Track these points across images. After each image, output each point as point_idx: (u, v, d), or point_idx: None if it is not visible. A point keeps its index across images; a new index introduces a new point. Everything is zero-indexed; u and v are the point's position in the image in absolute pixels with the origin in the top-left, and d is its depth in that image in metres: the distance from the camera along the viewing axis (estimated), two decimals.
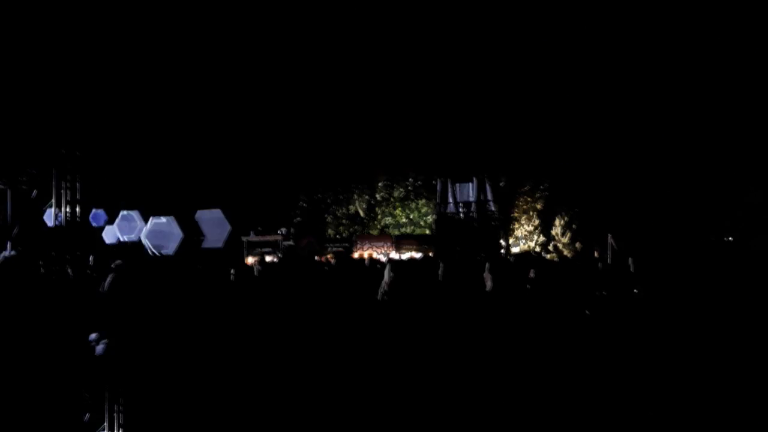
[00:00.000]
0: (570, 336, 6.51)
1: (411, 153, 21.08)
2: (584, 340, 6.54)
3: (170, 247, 15.13)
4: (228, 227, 15.50)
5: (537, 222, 18.25)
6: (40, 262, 10.93)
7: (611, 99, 18.36)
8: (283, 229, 19.50)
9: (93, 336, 5.81)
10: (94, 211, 19.69)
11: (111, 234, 17.64)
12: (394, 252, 18.73)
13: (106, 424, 5.33)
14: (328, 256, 16.78)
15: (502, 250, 18.06)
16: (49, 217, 17.89)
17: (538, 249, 17.90)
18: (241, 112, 21.87)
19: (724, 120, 17.29)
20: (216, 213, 15.70)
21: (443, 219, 19.62)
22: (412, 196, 20.84)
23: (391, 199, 20.99)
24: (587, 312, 6.81)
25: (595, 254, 16.65)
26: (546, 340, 6.30)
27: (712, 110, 17.41)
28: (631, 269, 8.97)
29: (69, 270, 10.62)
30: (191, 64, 20.79)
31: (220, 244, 15.34)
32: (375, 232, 21.30)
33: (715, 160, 16.82)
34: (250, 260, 16.43)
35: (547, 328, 6.64)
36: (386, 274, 6.89)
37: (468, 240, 18.76)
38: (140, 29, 19.75)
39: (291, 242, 17.72)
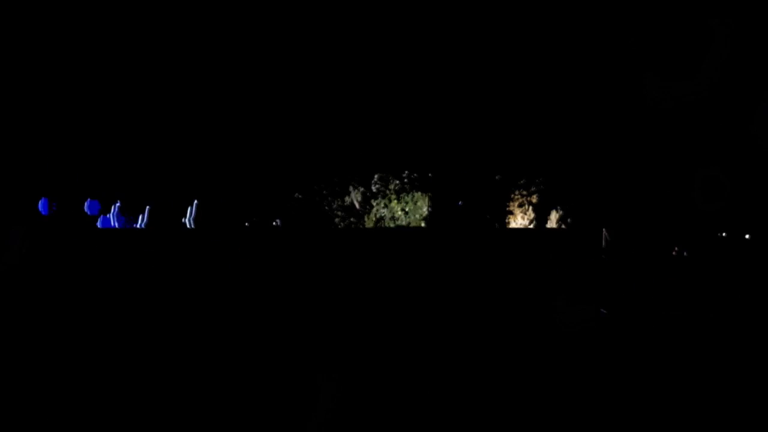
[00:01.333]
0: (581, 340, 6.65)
1: (405, 147, 21.16)
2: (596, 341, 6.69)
3: None
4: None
5: (532, 216, 18.48)
6: None
7: (606, 95, 18.58)
8: (278, 221, 19.57)
9: None
10: (89, 201, 19.82)
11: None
12: None
13: None
14: None
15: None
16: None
17: None
18: (234, 103, 21.78)
19: (719, 116, 17.59)
20: None
21: (438, 212, 19.78)
22: (407, 188, 20.91)
23: (387, 191, 21.05)
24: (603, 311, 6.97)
25: None
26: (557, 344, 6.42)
27: (707, 106, 17.70)
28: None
29: None
30: (190, 59, 20.67)
31: None
32: (370, 224, 21.34)
33: (710, 155, 17.13)
34: None
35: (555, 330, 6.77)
36: None
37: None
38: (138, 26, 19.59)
39: None
